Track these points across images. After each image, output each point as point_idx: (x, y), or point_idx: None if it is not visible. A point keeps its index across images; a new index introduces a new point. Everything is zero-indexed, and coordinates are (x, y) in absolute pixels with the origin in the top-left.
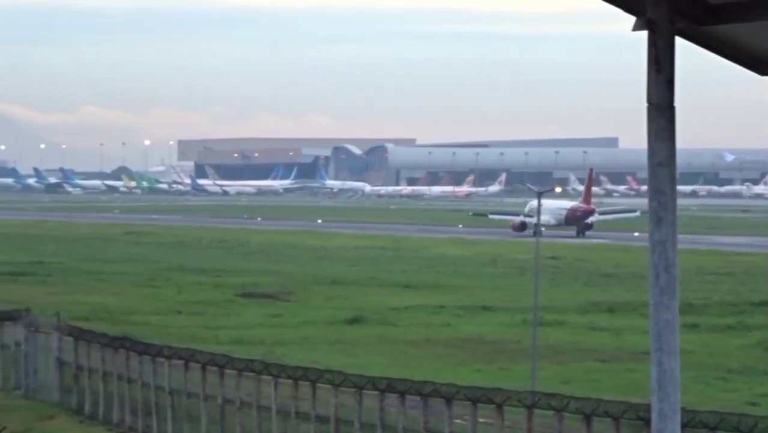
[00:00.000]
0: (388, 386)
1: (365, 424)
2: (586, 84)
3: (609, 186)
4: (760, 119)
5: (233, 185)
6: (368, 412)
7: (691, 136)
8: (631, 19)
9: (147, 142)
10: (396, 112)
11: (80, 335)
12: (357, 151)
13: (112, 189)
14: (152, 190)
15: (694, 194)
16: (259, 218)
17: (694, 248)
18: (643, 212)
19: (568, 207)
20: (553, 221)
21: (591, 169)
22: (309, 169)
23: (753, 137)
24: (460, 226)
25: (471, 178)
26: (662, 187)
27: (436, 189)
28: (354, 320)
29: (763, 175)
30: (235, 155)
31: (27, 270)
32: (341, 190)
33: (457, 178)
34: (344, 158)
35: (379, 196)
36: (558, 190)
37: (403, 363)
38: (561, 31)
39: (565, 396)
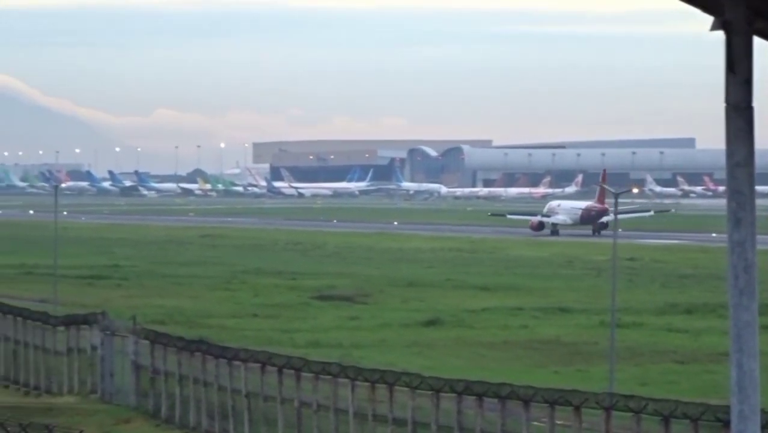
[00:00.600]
0: (465, 389)
1: (442, 426)
2: (663, 85)
3: (686, 187)
4: None
5: (309, 187)
6: (445, 414)
7: None
8: (709, 19)
9: (222, 145)
10: (472, 113)
11: (156, 339)
12: (433, 152)
13: (187, 192)
14: (227, 193)
15: None
16: (334, 220)
17: None
18: (656, 212)
19: (583, 207)
20: (569, 221)
21: (604, 170)
22: (385, 171)
23: None
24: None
25: (547, 179)
26: (740, 187)
27: (513, 190)
28: (431, 322)
29: None
30: (311, 157)
31: (103, 274)
32: (417, 192)
33: (534, 179)
34: (420, 160)
35: (455, 198)
36: (635, 191)
37: (480, 365)
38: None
39: (643, 398)
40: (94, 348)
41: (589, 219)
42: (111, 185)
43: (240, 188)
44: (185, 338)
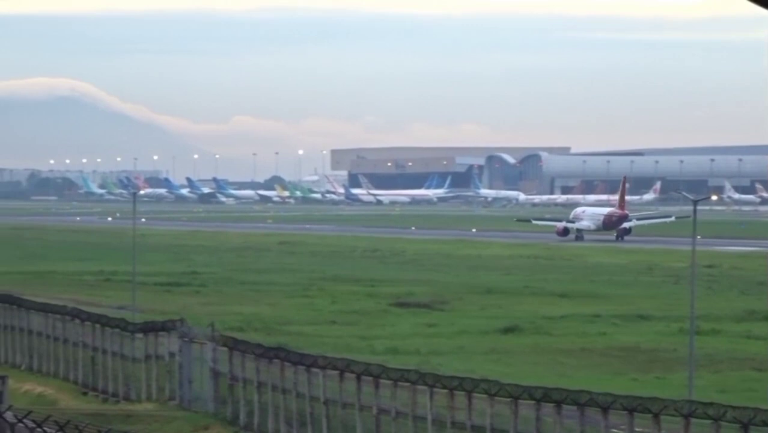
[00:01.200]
0: (543, 396)
1: None
2: (742, 91)
3: (764, 194)
4: None
5: (387, 194)
6: (524, 421)
7: None
8: None
9: (300, 152)
10: (551, 120)
11: (235, 346)
12: (511, 159)
13: (266, 199)
14: (305, 200)
15: None
16: (413, 228)
17: None
18: (677, 217)
19: (605, 213)
20: (592, 227)
21: (624, 178)
22: (463, 178)
23: None
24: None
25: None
26: None
27: (591, 197)
28: (509, 330)
29: None
30: (389, 164)
31: (181, 280)
32: (495, 199)
33: (612, 186)
34: (498, 167)
35: (534, 205)
36: (714, 198)
37: (559, 372)
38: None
39: (722, 405)
40: (172, 355)
41: (611, 225)
42: (189, 192)
43: (318, 195)
44: (264, 345)
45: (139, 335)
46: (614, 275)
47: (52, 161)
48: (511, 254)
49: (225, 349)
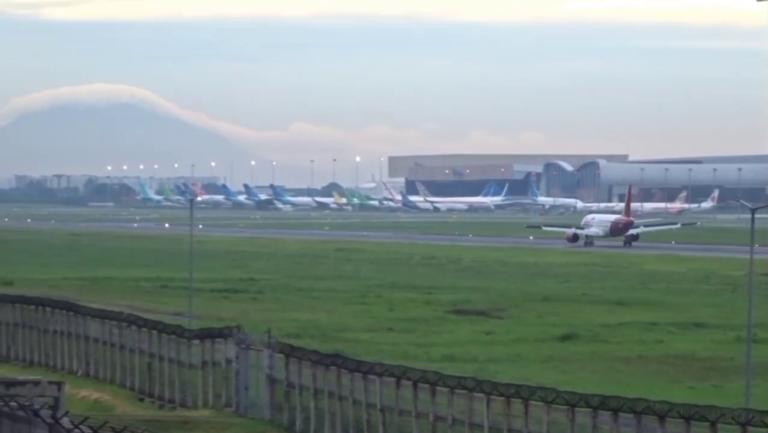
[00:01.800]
0: (600, 404)
1: None
2: None
3: None
4: None
5: (444, 202)
6: (581, 429)
7: None
8: None
9: (358, 159)
10: (608, 127)
11: (291, 352)
12: (569, 167)
13: (323, 206)
14: (363, 207)
15: None
16: (470, 235)
17: None
18: (683, 224)
19: (612, 220)
20: (601, 233)
21: (629, 186)
22: (520, 186)
23: None
24: (673, 242)
25: (683, 194)
26: None
27: (649, 205)
28: (566, 337)
29: None
30: (447, 172)
31: (238, 287)
32: (553, 207)
33: (670, 194)
34: (556, 175)
35: (591, 212)
36: None
37: (616, 380)
38: None
39: None
40: (229, 362)
41: (618, 231)
42: (246, 199)
43: (375, 202)
44: (320, 351)
45: (196, 342)
46: (671, 283)
47: (109, 167)
48: (568, 261)
49: (282, 356)
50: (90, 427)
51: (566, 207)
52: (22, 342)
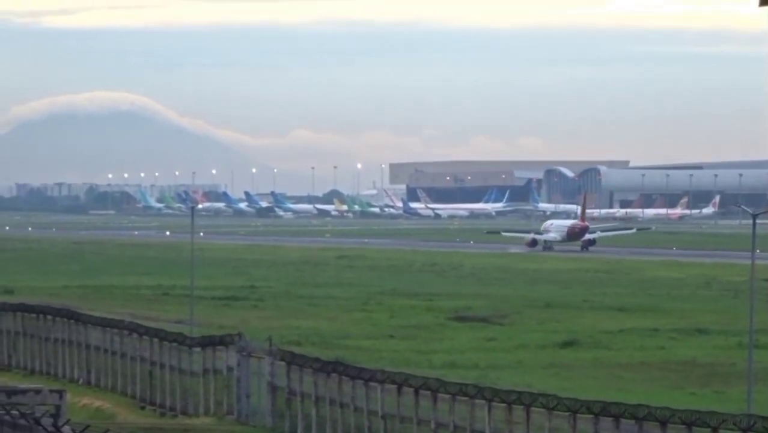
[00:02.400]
0: (602, 410)
1: None
2: None
3: None
4: None
5: (445, 208)
6: None
7: None
8: None
9: (359, 166)
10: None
11: (293, 360)
12: (570, 173)
13: (324, 213)
14: (364, 214)
15: None
16: (471, 241)
17: None
18: (638, 229)
19: (568, 225)
20: (559, 238)
21: (584, 194)
22: (522, 192)
23: None
24: (674, 248)
25: (685, 200)
26: None
27: (650, 211)
28: (567, 344)
29: None
30: (447, 178)
31: (239, 295)
32: (554, 213)
33: (671, 200)
34: (557, 181)
35: (592, 219)
36: None
37: (617, 386)
38: None
39: None
40: (230, 369)
41: (574, 236)
42: (247, 206)
43: (376, 209)
44: (321, 359)
45: (197, 349)
46: (672, 289)
47: (110, 175)
48: (569, 267)
49: (283, 363)
50: None
51: (567, 213)
52: (24, 350)
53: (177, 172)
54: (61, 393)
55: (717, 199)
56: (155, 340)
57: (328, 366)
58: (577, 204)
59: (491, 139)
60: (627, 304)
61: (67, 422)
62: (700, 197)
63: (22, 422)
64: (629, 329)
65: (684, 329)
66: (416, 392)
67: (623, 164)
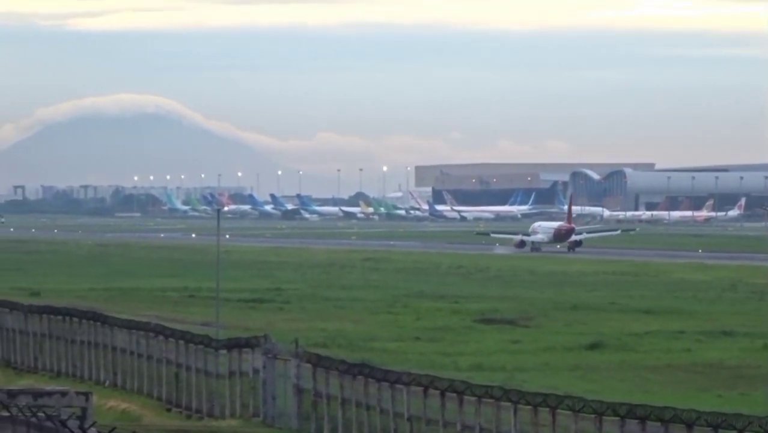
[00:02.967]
0: (628, 412)
1: None
2: None
3: None
4: None
5: (471, 211)
6: None
7: None
8: None
9: (384, 168)
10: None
11: (319, 362)
12: (595, 176)
13: (350, 215)
14: (390, 216)
15: None
16: (497, 244)
17: None
18: (623, 231)
19: (555, 227)
20: (546, 239)
21: (571, 195)
22: (547, 195)
23: None
24: (700, 251)
25: (710, 202)
26: None
27: (675, 214)
28: (594, 346)
29: None
30: (473, 181)
31: (265, 297)
32: (579, 216)
33: (697, 202)
34: (582, 183)
35: (618, 221)
36: None
37: (644, 389)
38: None
39: None
40: (256, 371)
41: (561, 237)
42: (273, 209)
43: (402, 211)
44: (348, 361)
45: (223, 352)
46: (698, 292)
47: (136, 178)
48: (596, 270)
49: (309, 365)
50: None
51: (592, 216)
52: (50, 353)
53: (203, 175)
54: (87, 395)
55: (743, 201)
56: (181, 342)
57: (354, 368)
58: (602, 207)
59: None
60: (653, 306)
61: (94, 424)
62: (725, 200)
63: (49, 424)
64: (655, 331)
65: (710, 331)
66: (442, 394)
67: (649, 167)
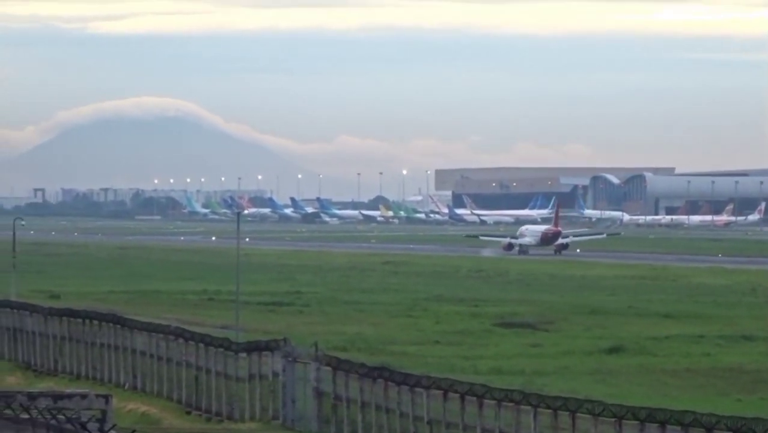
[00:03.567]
0: (647, 416)
1: None
2: None
3: None
4: None
5: (491, 215)
6: None
7: None
8: None
9: (404, 172)
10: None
11: (338, 365)
12: (615, 180)
13: (369, 219)
14: (409, 220)
15: None
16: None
17: None
18: (608, 234)
19: (542, 230)
20: (533, 242)
21: (557, 201)
22: (567, 199)
23: None
24: (720, 255)
25: (730, 207)
26: None
27: (695, 218)
28: (613, 350)
29: None
30: (493, 185)
31: (285, 300)
32: (599, 220)
33: (717, 207)
34: (603, 187)
35: (638, 225)
36: None
37: (663, 393)
38: None
39: None
40: (275, 374)
41: (547, 240)
42: (293, 212)
43: (422, 215)
44: (367, 364)
45: (243, 355)
46: (718, 296)
47: (156, 181)
48: (615, 274)
49: (329, 368)
50: None
51: (612, 220)
52: (70, 355)
53: (223, 178)
54: (107, 398)
55: (763, 206)
56: (201, 345)
57: (373, 372)
58: (622, 211)
59: (537, 145)
60: (673, 310)
61: (113, 426)
62: (745, 204)
63: (69, 426)
64: (675, 335)
65: (730, 335)
66: (462, 397)
67: (669, 171)
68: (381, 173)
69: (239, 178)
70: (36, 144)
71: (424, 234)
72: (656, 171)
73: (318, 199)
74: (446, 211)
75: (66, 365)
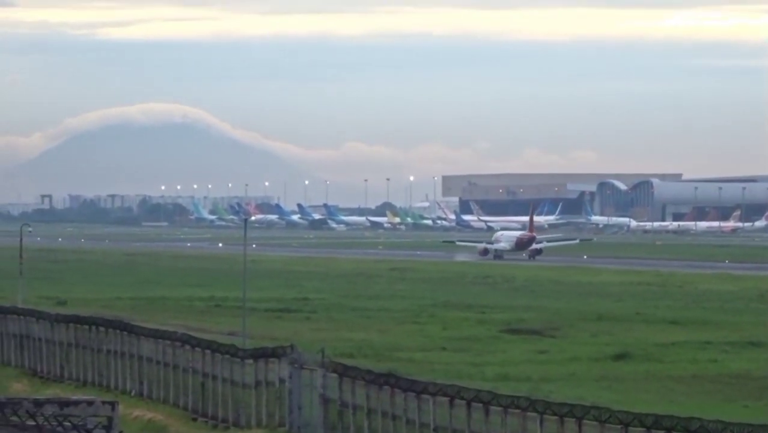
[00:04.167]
0: (654, 423)
1: None
2: None
3: None
4: None
5: (498, 221)
6: None
7: None
8: None
9: (411, 178)
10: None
11: (345, 372)
12: (623, 186)
13: (376, 225)
14: (416, 226)
15: None
16: (523, 254)
17: None
18: (582, 240)
19: (517, 235)
20: (508, 247)
21: (532, 205)
22: (574, 205)
23: None
24: (727, 261)
25: (737, 213)
26: None
27: (702, 224)
28: (620, 356)
29: None
30: (500, 191)
31: (292, 307)
32: (606, 226)
33: (724, 213)
34: (609, 194)
35: (645, 231)
36: None
37: (669, 399)
38: None
39: None
40: (282, 381)
41: (522, 245)
42: (300, 218)
43: (429, 221)
44: (374, 371)
45: (250, 361)
46: (725, 302)
47: (163, 187)
48: (622, 280)
49: (335, 375)
50: None
51: (620, 226)
52: (76, 362)
53: (230, 184)
54: (113, 404)
55: None
56: (207, 351)
57: (380, 378)
58: (629, 217)
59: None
60: (679, 317)
61: None
62: (753, 210)
63: None
64: (682, 342)
65: (737, 342)
66: (468, 404)
67: (676, 177)
68: (388, 179)
69: (246, 185)
70: (43, 150)
71: (431, 240)
72: (663, 177)
73: (325, 205)
74: (453, 217)
75: (72, 372)
